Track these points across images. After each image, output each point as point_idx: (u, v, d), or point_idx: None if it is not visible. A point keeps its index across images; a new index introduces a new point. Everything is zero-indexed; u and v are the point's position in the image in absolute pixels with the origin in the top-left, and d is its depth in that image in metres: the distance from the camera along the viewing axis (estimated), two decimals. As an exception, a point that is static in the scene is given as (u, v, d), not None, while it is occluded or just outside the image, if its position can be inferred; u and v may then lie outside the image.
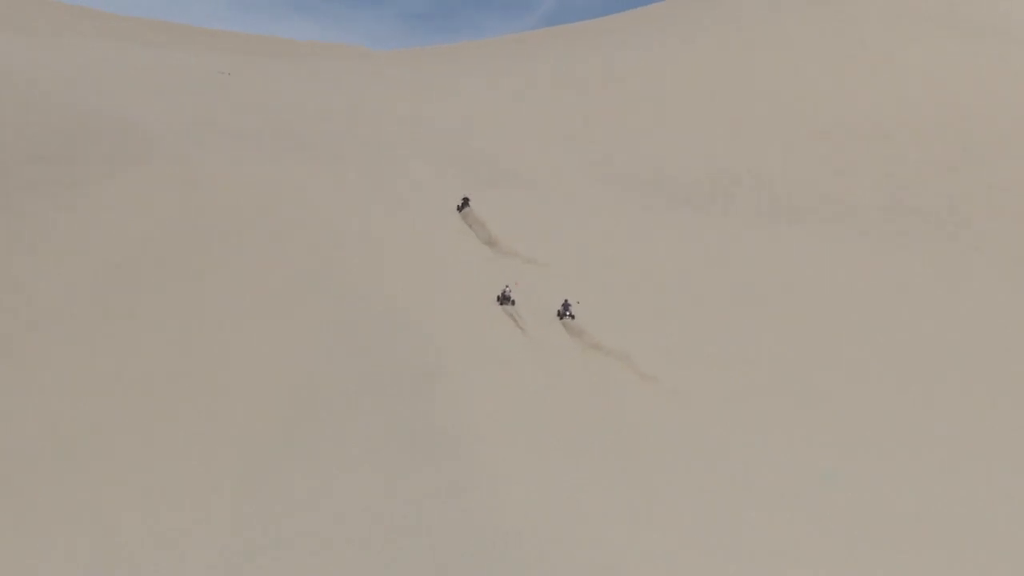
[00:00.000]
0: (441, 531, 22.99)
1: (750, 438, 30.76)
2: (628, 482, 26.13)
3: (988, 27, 67.71)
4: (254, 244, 39.46)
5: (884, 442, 32.11)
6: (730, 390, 34.41)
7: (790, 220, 51.70)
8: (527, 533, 22.61)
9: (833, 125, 61.02)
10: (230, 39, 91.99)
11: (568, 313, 43.17)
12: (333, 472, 26.74)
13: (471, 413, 29.29)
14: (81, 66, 61.70)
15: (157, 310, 35.19)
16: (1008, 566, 26.13)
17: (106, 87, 57.47)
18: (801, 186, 55.08)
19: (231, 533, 25.00)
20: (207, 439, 29.53)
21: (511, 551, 22.13)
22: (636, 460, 27.85)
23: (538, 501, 24.40)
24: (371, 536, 23.12)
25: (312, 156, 51.67)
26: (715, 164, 58.54)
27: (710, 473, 27.88)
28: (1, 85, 55.18)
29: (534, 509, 23.94)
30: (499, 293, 43.11)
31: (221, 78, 65.39)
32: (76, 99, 53.66)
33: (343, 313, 35.13)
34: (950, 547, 26.30)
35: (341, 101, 64.35)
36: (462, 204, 50.55)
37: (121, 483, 27.94)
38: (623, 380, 35.36)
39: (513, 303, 42.57)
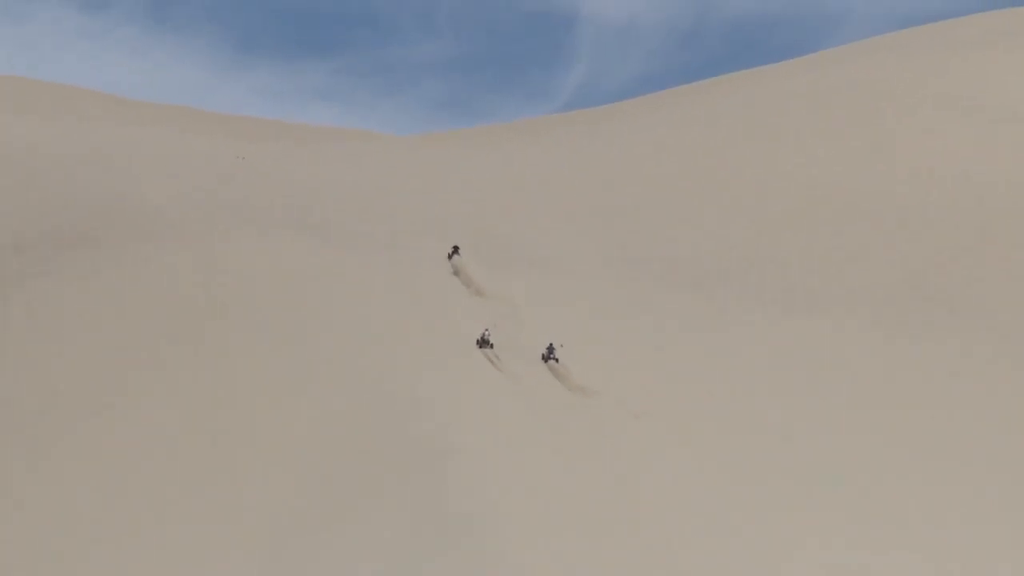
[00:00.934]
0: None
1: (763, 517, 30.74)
2: (649, 561, 26.40)
3: (1004, 110, 68.29)
4: (272, 327, 39.64)
5: (907, 527, 31.96)
6: (732, 462, 34.60)
7: (804, 305, 51.69)
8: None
9: (847, 208, 61.36)
10: (246, 124, 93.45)
11: (552, 356, 44.50)
12: (351, 559, 26.63)
13: (486, 492, 29.48)
14: (99, 148, 62.78)
15: (173, 391, 35.28)
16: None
17: (123, 169, 58.42)
18: (815, 270, 55.18)
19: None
20: (222, 524, 29.31)
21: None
22: (652, 531, 28.17)
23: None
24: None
25: (329, 239, 52.11)
26: (730, 249, 58.82)
27: (729, 547, 27.82)
28: (19, 166, 56.16)
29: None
30: (478, 336, 44.79)
31: (237, 162, 66.34)
32: (93, 181, 54.51)
33: (359, 397, 35.15)
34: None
35: (356, 184, 65.47)
36: (452, 252, 52.01)
37: (134, 571, 27.71)
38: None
39: (492, 346, 43.96)
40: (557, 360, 44.24)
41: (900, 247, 57.13)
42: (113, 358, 37.42)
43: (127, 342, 38.20)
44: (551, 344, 45.57)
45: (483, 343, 44.20)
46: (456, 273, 49.43)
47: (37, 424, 33.35)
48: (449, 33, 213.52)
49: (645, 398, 39.78)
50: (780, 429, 38.22)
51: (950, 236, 57.23)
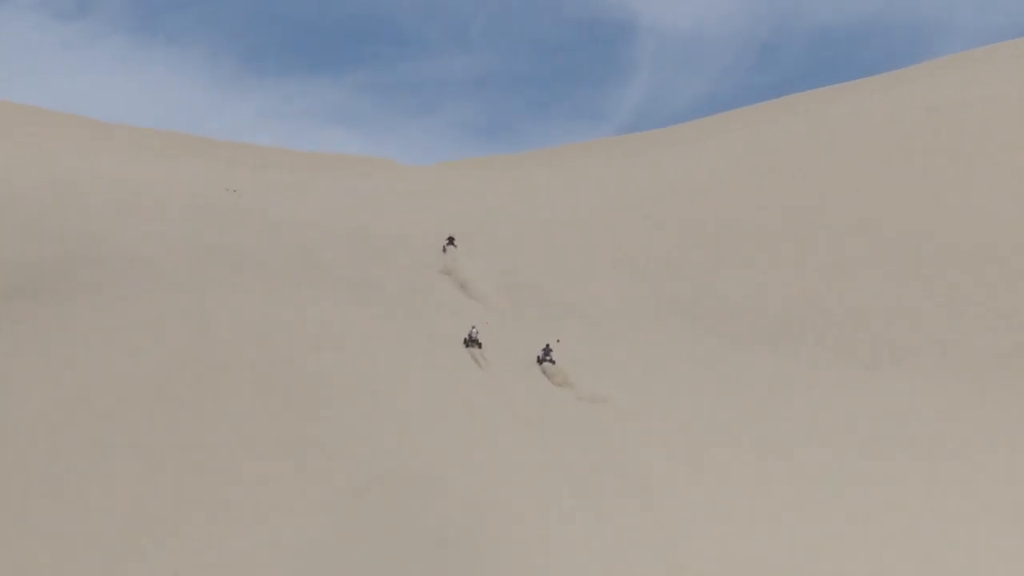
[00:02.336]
0: None
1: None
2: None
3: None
4: (269, 391, 39.92)
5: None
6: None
7: (891, 362, 51.46)
8: None
9: (937, 250, 60.95)
10: (244, 152, 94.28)
11: (548, 358, 47.53)
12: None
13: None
14: (71, 181, 63.30)
15: (151, 465, 35.55)
16: None
17: (98, 206, 58.81)
18: (903, 323, 54.93)
19: None
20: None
21: None
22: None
23: None
24: None
25: (332, 285, 52.30)
26: (803, 298, 58.60)
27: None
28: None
29: None
30: (466, 335, 48.39)
31: (229, 197, 67.13)
32: (64, 219, 54.95)
33: (372, 473, 35.39)
34: None
35: (365, 221, 65.37)
36: (446, 244, 55.50)
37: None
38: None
39: (480, 346, 47.88)
40: (553, 361, 47.34)
41: (999, 299, 56.73)
42: (80, 428, 37.65)
43: (96, 407, 38.54)
44: (547, 345, 48.88)
45: (470, 342, 48.06)
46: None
47: (9, 494, 33.62)
48: (485, 46, 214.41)
49: (717, 472, 39.61)
50: (870, 513, 38.29)
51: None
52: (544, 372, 47.58)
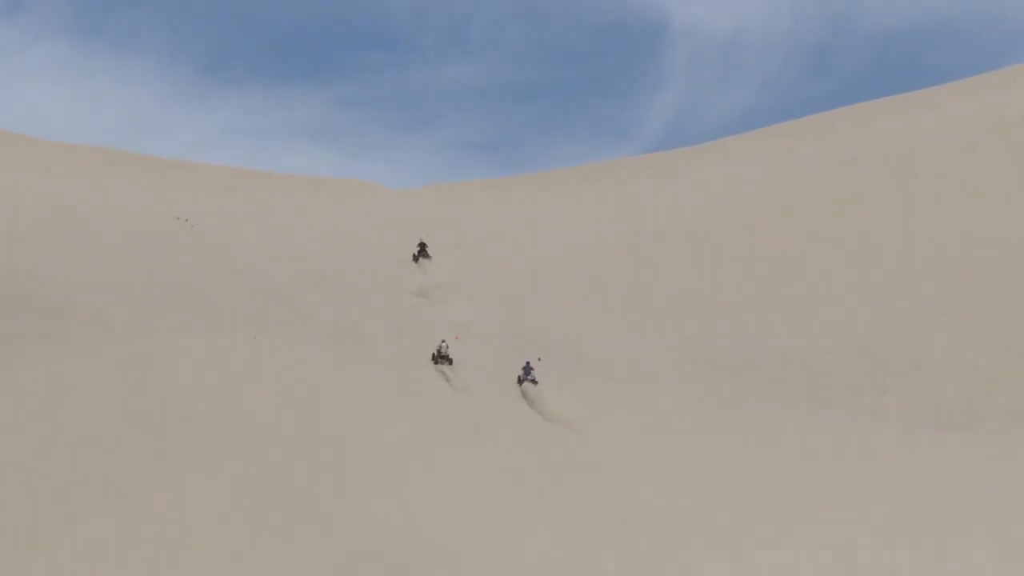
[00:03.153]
0: None
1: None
2: None
3: None
4: (230, 455, 40.49)
5: None
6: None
7: (963, 423, 51.62)
8: None
9: (1013, 295, 61.27)
10: (203, 174, 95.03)
11: (529, 377, 50.19)
12: None
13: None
14: (1, 211, 64.23)
15: (94, 549, 35.95)
16: None
17: (29, 241, 59.14)
18: (981, 379, 55.07)
19: None
20: None
21: None
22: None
23: None
24: None
25: (302, 330, 52.73)
26: (858, 347, 58.86)
27: None
28: None
29: None
30: (434, 350, 51.87)
31: (184, 227, 67.64)
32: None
33: (353, 545, 35.98)
34: None
35: (343, 258, 65.67)
36: (418, 252, 60.48)
37: None
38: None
39: (450, 362, 51.10)
40: (535, 382, 49.70)
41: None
42: (12, 509, 38.01)
43: (31, 483, 38.95)
44: (528, 363, 51.27)
45: (439, 358, 51.30)
46: (424, 294, 57.55)
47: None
48: (489, 51, 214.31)
49: (759, 555, 40.03)
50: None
51: None
52: (524, 395, 49.76)
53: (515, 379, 51.20)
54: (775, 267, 67.80)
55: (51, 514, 36.53)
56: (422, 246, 65.61)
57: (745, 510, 43.52)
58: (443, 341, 53.13)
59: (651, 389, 54.59)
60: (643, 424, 49.52)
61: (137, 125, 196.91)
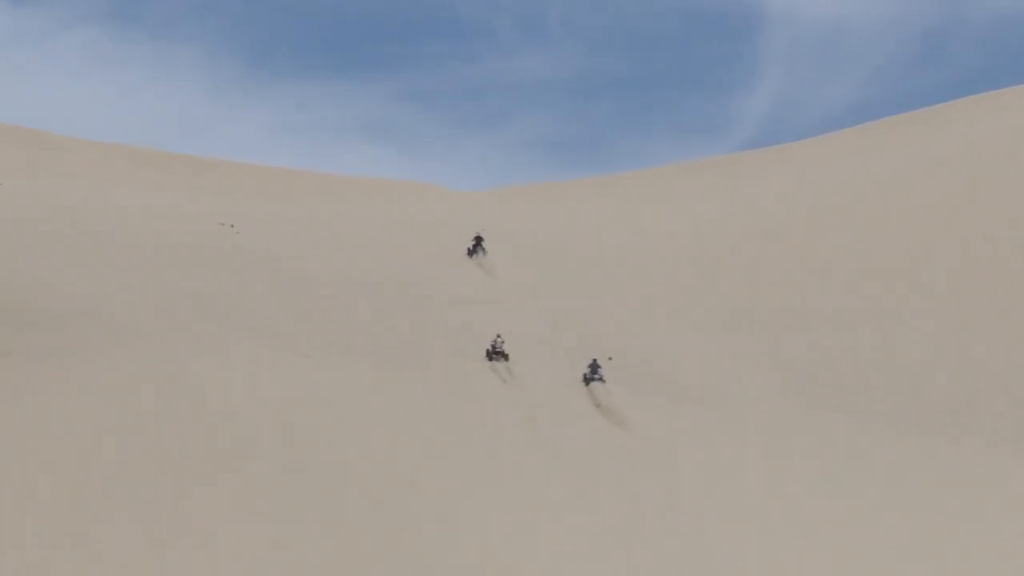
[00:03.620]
0: None
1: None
2: None
3: None
4: (268, 481, 40.57)
5: None
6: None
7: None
8: None
9: None
10: (250, 176, 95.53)
11: (597, 376, 50.96)
12: None
13: None
14: (26, 218, 64.33)
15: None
16: None
17: (49, 247, 59.19)
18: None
19: None
20: None
21: None
22: None
23: None
24: None
25: (355, 348, 52.76)
26: (970, 366, 58.34)
27: None
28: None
29: None
30: (488, 346, 53.80)
31: (226, 233, 67.90)
32: (18, 267, 56.00)
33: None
34: None
35: (394, 267, 65.84)
36: (474, 245, 63.01)
37: None
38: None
39: (506, 358, 52.91)
40: (603, 380, 50.83)
41: None
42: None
43: (59, 513, 39.14)
44: (595, 360, 52.01)
45: (494, 354, 53.06)
46: (485, 304, 57.78)
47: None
48: (567, 39, 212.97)
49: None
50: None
51: None
52: (591, 395, 50.89)
53: (584, 395, 51.58)
54: (882, 278, 67.27)
55: (75, 551, 36.77)
56: (478, 240, 67.02)
57: (858, 556, 43.13)
58: (498, 336, 54.23)
59: (741, 414, 54.26)
60: (733, 453, 49.19)
61: (176, 122, 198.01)
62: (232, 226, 69.73)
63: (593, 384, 50.81)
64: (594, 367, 51.57)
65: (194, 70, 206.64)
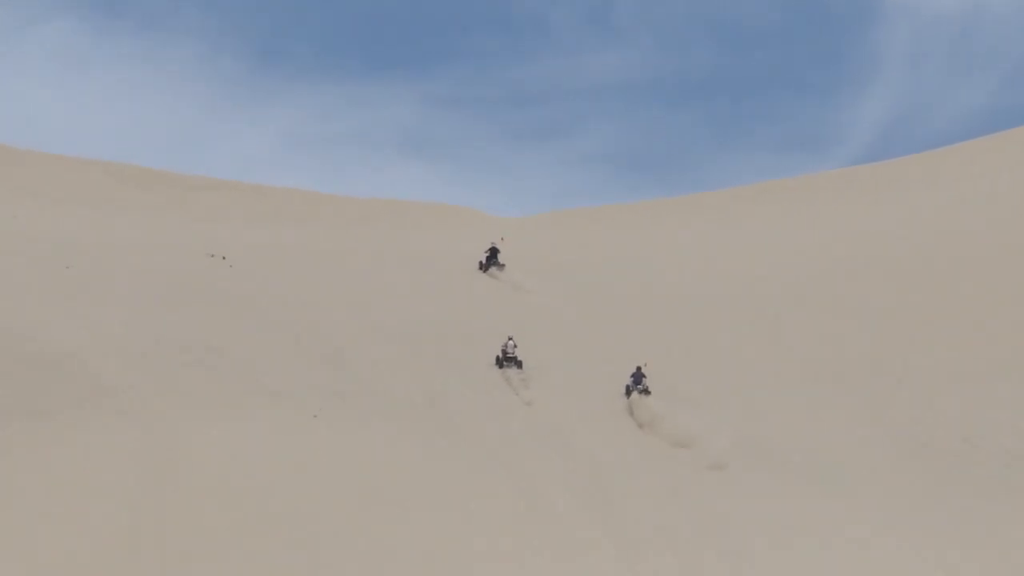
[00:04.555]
0: None
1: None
2: None
3: None
4: (268, 561, 41.56)
5: None
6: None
7: None
8: None
9: None
10: (257, 198, 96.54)
11: (640, 387, 53.39)
12: None
13: None
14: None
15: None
16: None
17: (28, 287, 60.38)
18: None
19: None
20: None
21: None
22: None
23: None
24: None
25: (364, 411, 53.47)
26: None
27: None
28: None
29: None
30: (499, 351, 57.08)
31: (219, 269, 68.78)
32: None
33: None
34: None
35: (427, 307, 66.64)
36: (487, 258, 68.15)
37: None
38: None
39: (519, 365, 56.57)
40: (647, 391, 53.09)
41: None
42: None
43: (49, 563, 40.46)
44: (639, 369, 54.56)
45: (505, 360, 55.65)
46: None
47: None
48: (640, 33, 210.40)
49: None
50: None
51: None
52: (633, 409, 53.45)
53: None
54: (1018, 322, 67.80)
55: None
56: (493, 251, 69.48)
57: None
58: (509, 339, 57.10)
59: (843, 486, 54.42)
60: (835, 536, 49.71)
61: (166, 133, 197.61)
62: (224, 258, 70.67)
63: (635, 396, 52.74)
64: (637, 377, 53.17)
65: (191, 70, 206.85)
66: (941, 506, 53.39)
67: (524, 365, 56.72)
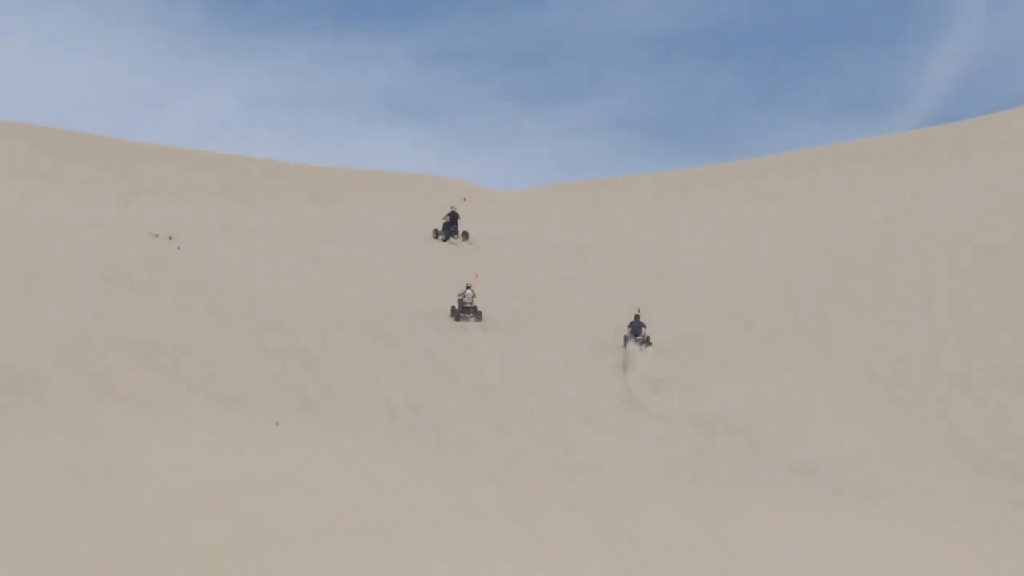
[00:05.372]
0: None
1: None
2: None
3: None
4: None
5: None
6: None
7: None
8: None
9: None
10: (211, 168, 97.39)
11: (640, 338, 55.76)
12: None
13: None
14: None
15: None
16: None
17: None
18: None
19: None
20: None
21: None
22: None
23: None
24: None
25: (344, 414, 54.37)
26: None
27: None
28: None
29: None
30: (454, 301, 61.16)
31: (167, 252, 69.54)
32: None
33: None
34: None
35: (409, 297, 67.21)
36: (446, 226, 72.81)
37: None
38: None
39: (478, 317, 61.00)
40: (648, 342, 56.04)
41: None
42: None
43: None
44: (637, 316, 57.37)
45: (462, 312, 60.60)
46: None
47: None
48: None
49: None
50: None
51: None
52: (627, 362, 55.26)
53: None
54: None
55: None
56: (452, 216, 71.90)
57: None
58: (468, 287, 59.87)
59: (896, 502, 54.97)
60: (886, 562, 50.35)
61: (114, 92, 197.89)
62: (171, 239, 71.54)
63: (631, 346, 54.44)
64: (636, 326, 54.74)
65: (137, 17, 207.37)
66: (1016, 530, 54.09)
67: (483, 316, 59.12)
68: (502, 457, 53.38)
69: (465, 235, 72.48)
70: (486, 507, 49.27)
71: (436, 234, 71.84)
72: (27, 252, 66.89)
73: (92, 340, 56.86)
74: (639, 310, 57.23)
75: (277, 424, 51.78)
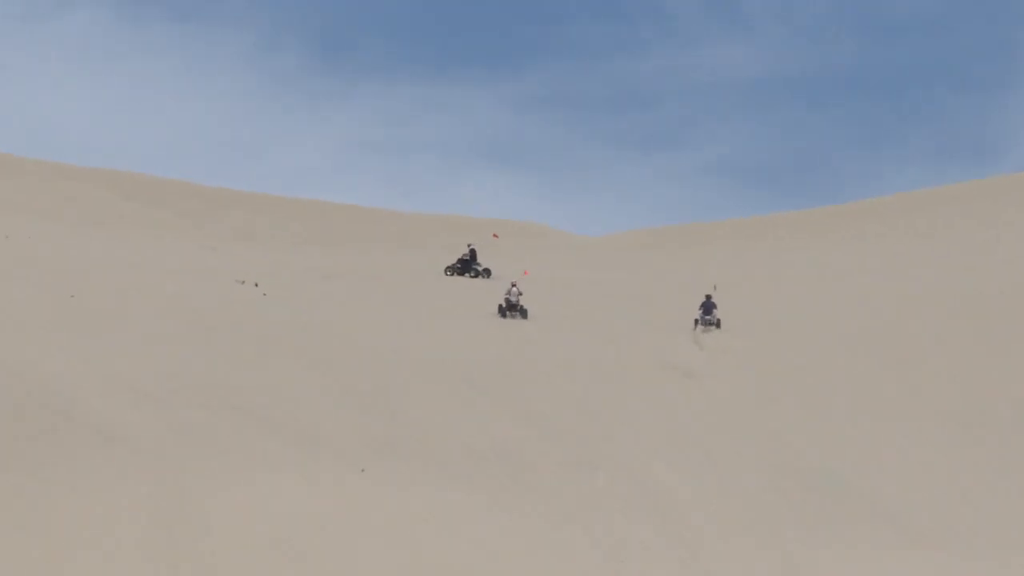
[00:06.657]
0: None
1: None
2: None
3: None
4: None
5: None
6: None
7: None
8: None
9: None
10: (299, 216, 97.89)
11: (710, 317, 57.13)
12: None
13: None
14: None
15: None
16: None
17: (27, 318, 62.04)
18: None
19: None
20: None
21: None
22: None
23: None
24: None
25: (422, 463, 54.48)
26: None
27: None
28: None
29: None
30: (502, 300, 62.61)
31: (250, 297, 69.79)
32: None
33: None
34: None
35: (494, 345, 66.88)
36: (463, 262, 71.58)
37: None
38: None
39: (524, 314, 61.96)
40: (716, 324, 57.78)
41: None
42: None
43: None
44: (708, 297, 59.13)
45: (509, 309, 62.45)
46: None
47: None
48: (772, 22, 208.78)
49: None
50: None
51: None
52: (699, 344, 55.59)
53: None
54: None
55: None
56: (472, 254, 71.50)
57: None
58: (513, 285, 61.08)
59: (978, 548, 54.73)
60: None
61: (205, 139, 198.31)
62: (257, 285, 71.71)
63: (699, 328, 54.34)
64: (707, 306, 55.86)
65: (235, 66, 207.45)
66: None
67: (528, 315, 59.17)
68: (584, 499, 53.05)
69: (487, 272, 72.55)
70: (568, 551, 49.13)
71: (448, 271, 71.87)
72: (110, 296, 67.03)
73: (174, 384, 57.00)
74: (714, 287, 56.49)
75: (363, 470, 51.35)
